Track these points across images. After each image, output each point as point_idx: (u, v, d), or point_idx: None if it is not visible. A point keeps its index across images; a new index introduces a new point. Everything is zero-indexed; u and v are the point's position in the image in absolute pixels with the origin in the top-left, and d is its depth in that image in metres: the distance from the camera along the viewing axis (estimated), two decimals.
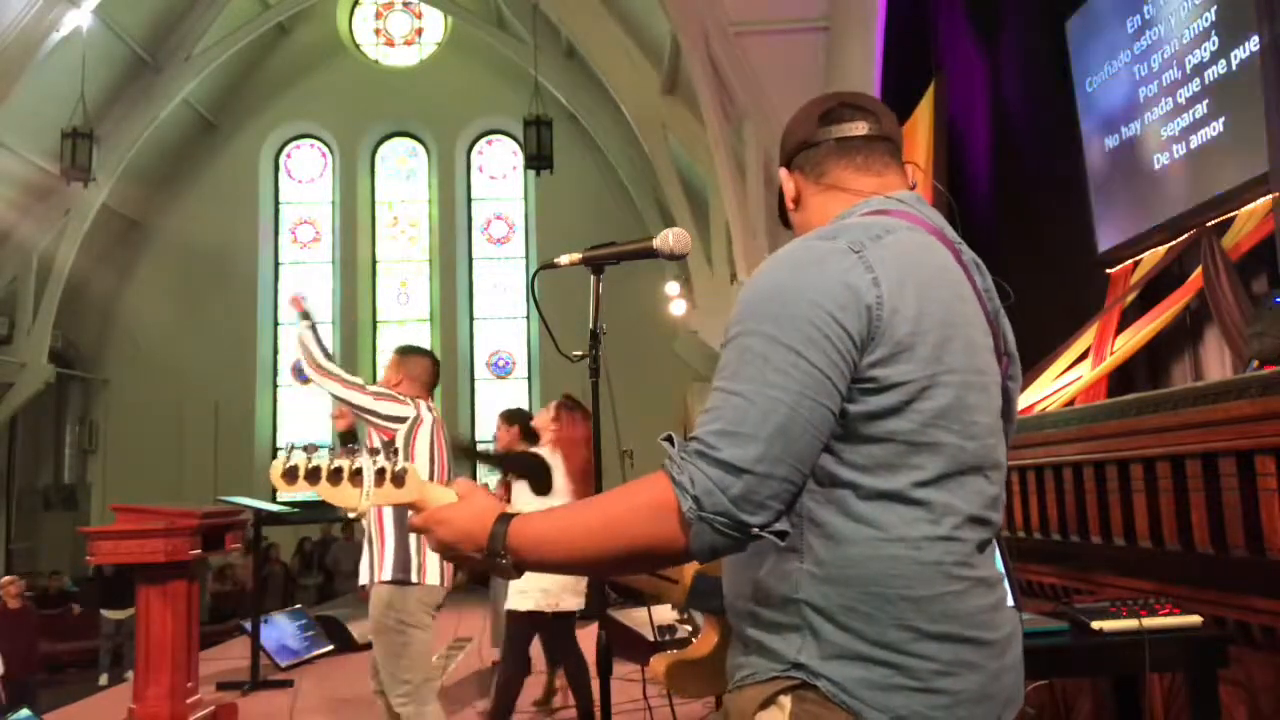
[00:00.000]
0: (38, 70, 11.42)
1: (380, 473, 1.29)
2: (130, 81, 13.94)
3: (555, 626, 4.54)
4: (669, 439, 1.16)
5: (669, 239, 2.02)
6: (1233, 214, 5.30)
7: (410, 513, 1.30)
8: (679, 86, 11.42)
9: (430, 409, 3.61)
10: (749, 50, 8.68)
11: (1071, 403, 5.69)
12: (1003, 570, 2.58)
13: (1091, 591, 3.02)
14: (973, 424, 1.19)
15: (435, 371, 3.76)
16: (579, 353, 2.24)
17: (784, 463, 1.09)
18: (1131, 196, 6.24)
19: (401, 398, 3.51)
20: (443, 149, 16.67)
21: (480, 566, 1.25)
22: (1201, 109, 5.47)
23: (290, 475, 1.27)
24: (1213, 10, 5.36)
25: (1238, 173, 5.14)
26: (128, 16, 13.05)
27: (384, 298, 16.79)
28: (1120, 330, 5.98)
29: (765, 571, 1.19)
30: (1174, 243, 5.83)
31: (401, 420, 3.46)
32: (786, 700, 1.16)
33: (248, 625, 6.78)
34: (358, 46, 16.81)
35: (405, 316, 16.74)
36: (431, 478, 3.38)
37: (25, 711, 4.63)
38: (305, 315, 3.60)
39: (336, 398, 3.47)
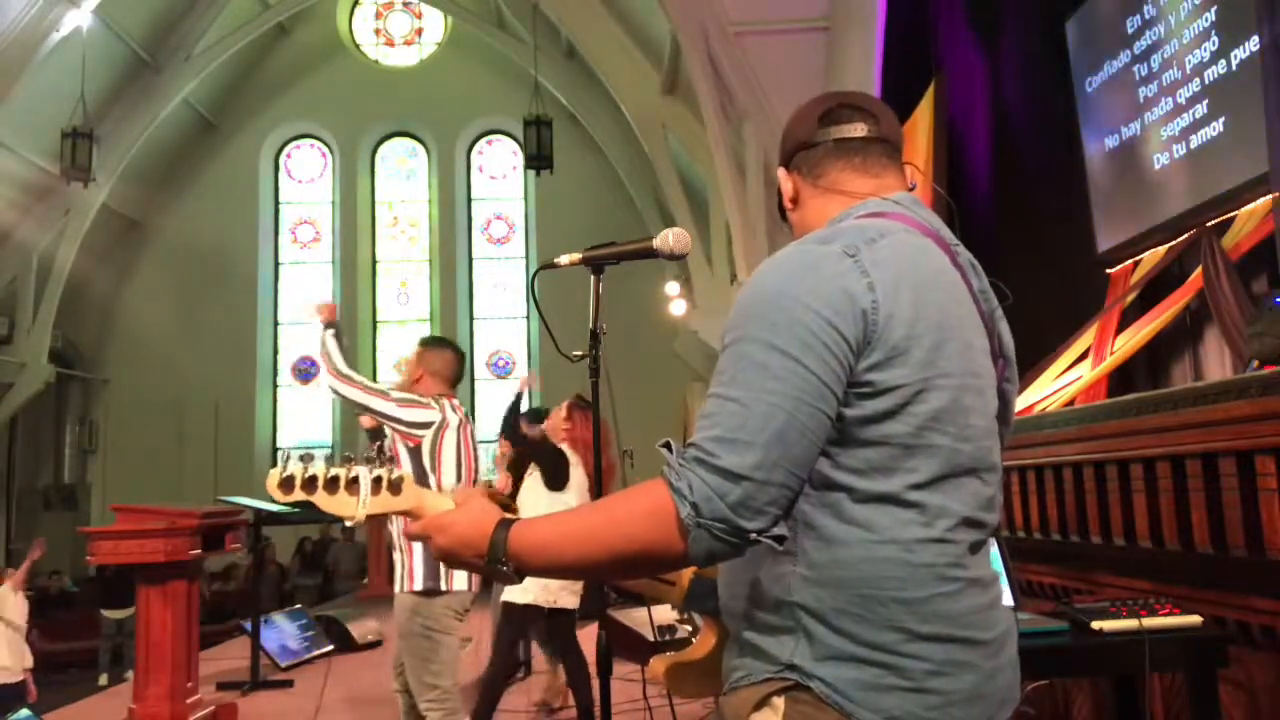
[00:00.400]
0: (38, 70, 11.43)
1: (377, 481, 1.28)
2: (130, 81, 13.95)
3: (554, 624, 4.54)
4: (667, 445, 1.16)
5: (669, 239, 2.02)
6: (1233, 214, 5.29)
7: (407, 520, 1.30)
8: (679, 86, 11.42)
9: (455, 408, 3.53)
10: (749, 50, 8.68)
11: (1071, 403, 5.69)
12: (1001, 570, 2.58)
13: (1091, 591, 3.02)
14: (968, 426, 1.19)
15: (459, 365, 3.65)
16: (579, 353, 2.24)
17: (782, 469, 1.09)
18: (1131, 196, 6.24)
19: (425, 401, 3.43)
20: (443, 149, 16.67)
21: (480, 573, 1.25)
22: (1201, 109, 5.47)
23: (286, 485, 1.26)
24: (1213, 10, 5.36)
25: (1238, 173, 5.14)
26: (128, 16, 13.05)
27: (384, 298, 16.80)
28: (1120, 330, 5.98)
29: (759, 574, 1.20)
30: (1174, 243, 5.83)
31: (426, 426, 3.38)
32: (780, 701, 1.16)
33: (248, 625, 6.78)
34: (358, 46, 16.81)
35: (405, 316, 16.74)
36: (459, 482, 3.41)
37: (25, 711, 4.63)
38: (331, 324, 3.54)
39: (358, 405, 3.40)
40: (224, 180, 16.01)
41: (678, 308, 11.95)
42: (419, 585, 3.32)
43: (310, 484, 1.27)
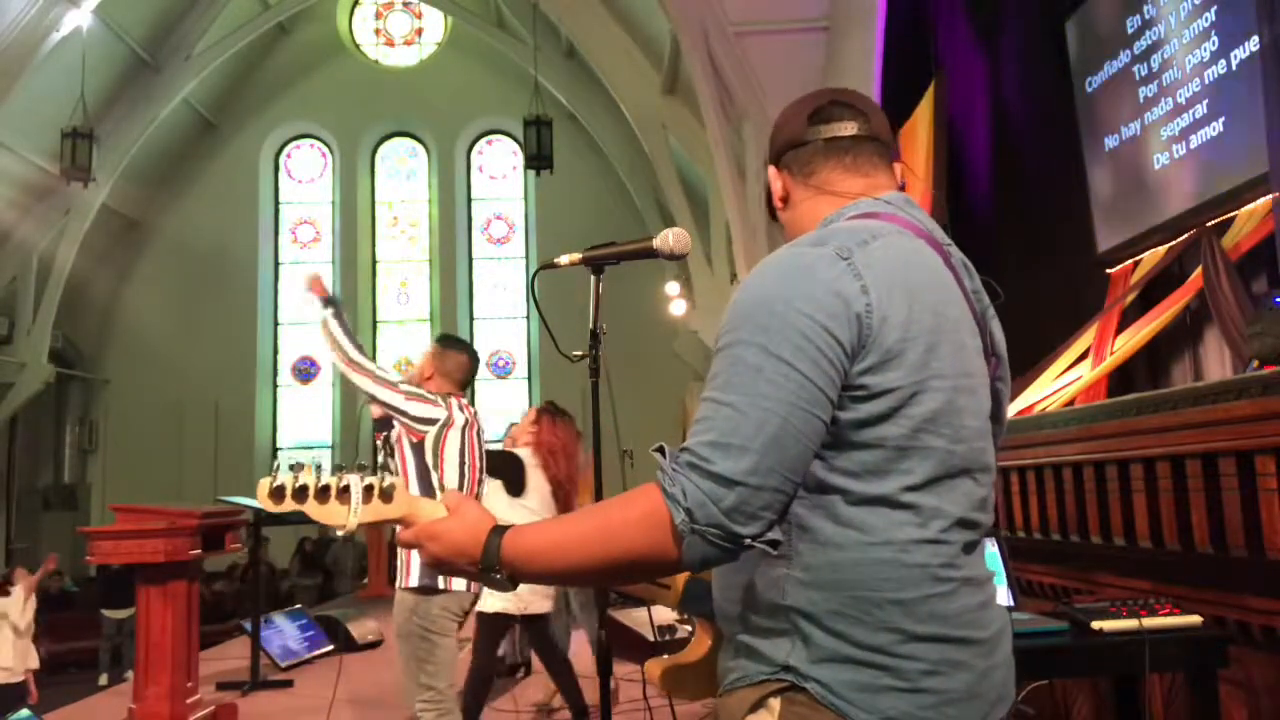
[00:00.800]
0: (38, 70, 11.42)
1: (368, 489, 1.27)
2: (130, 81, 13.94)
3: (530, 630, 4.55)
4: (660, 450, 1.15)
5: (669, 239, 2.02)
6: (1233, 214, 5.30)
7: (399, 528, 1.30)
8: (679, 86, 11.41)
9: (463, 408, 3.53)
10: (749, 50, 8.68)
11: (1071, 403, 5.69)
12: (1001, 569, 2.58)
13: (1091, 591, 3.02)
14: (962, 428, 1.19)
15: (472, 368, 3.66)
16: (579, 353, 2.24)
17: (776, 474, 1.09)
18: (1131, 196, 6.24)
19: (433, 398, 3.43)
20: (443, 149, 16.67)
21: (475, 580, 1.25)
22: (1201, 109, 5.47)
23: (277, 495, 1.26)
24: (1213, 10, 5.36)
25: (1238, 173, 5.14)
26: (128, 16, 13.04)
27: (384, 298, 16.80)
28: (1120, 330, 5.98)
29: (754, 578, 1.20)
30: (1174, 243, 5.83)
31: (432, 422, 3.38)
32: (776, 703, 1.17)
33: (248, 625, 6.78)
34: (358, 46, 16.81)
35: (405, 316, 16.74)
36: (462, 481, 3.41)
37: (25, 711, 4.63)
38: (329, 301, 3.52)
39: (366, 392, 3.39)
40: (224, 180, 16.01)
41: (678, 308, 11.95)
42: (414, 582, 3.30)
43: (301, 494, 1.26)
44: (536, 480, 4.53)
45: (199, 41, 14.26)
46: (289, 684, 6.23)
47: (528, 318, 16.49)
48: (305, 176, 16.97)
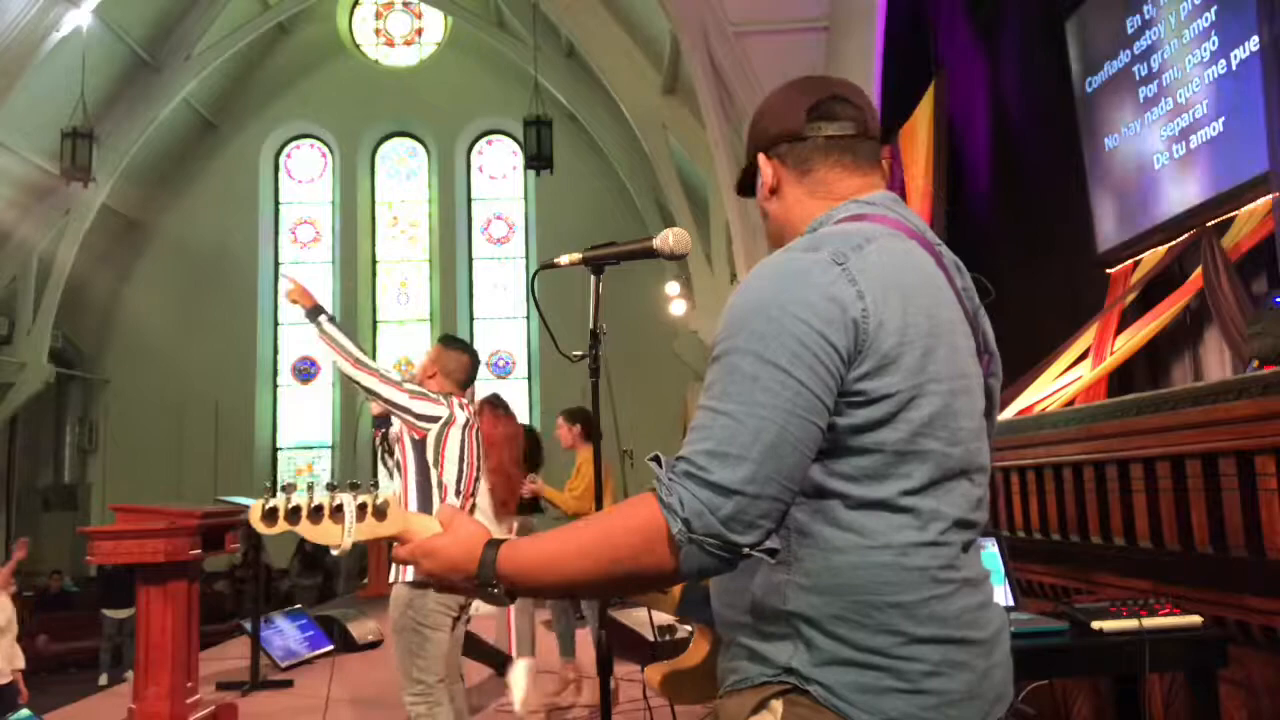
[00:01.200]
0: (38, 70, 11.42)
1: (361, 508, 1.27)
2: (130, 81, 13.94)
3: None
4: (656, 459, 1.15)
5: (669, 239, 2.02)
6: (1233, 214, 5.30)
7: (396, 545, 1.30)
8: (679, 86, 11.41)
9: (463, 407, 3.59)
10: (749, 50, 8.68)
11: (1071, 403, 5.69)
12: (1001, 569, 2.58)
13: (1091, 591, 3.02)
14: (958, 430, 1.19)
15: (473, 369, 3.72)
16: (579, 353, 2.24)
17: (774, 482, 1.09)
18: (1131, 196, 6.24)
19: (435, 396, 3.49)
20: (443, 149, 16.67)
21: (471, 595, 1.24)
22: (1201, 109, 5.47)
23: (270, 517, 1.25)
24: (1213, 10, 5.36)
25: (1238, 173, 5.14)
26: (128, 16, 13.04)
27: (384, 298, 16.80)
28: (1120, 330, 5.98)
29: (753, 584, 1.20)
30: (1174, 243, 5.83)
31: (434, 420, 3.43)
32: (778, 705, 1.16)
33: (248, 625, 6.78)
34: (358, 46, 16.81)
35: (405, 316, 16.74)
36: (460, 478, 3.47)
37: (25, 711, 4.63)
38: (317, 310, 3.56)
39: (371, 392, 3.44)
40: (224, 180, 16.01)
41: (678, 308, 11.95)
42: (410, 576, 3.34)
43: (294, 515, 1.25)
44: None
45: (199, 41, 14.27)
46: (289, 684, 6.23)
47: (528, 318, 16.49)
48: (305, 176, 16.97)
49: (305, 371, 16.42)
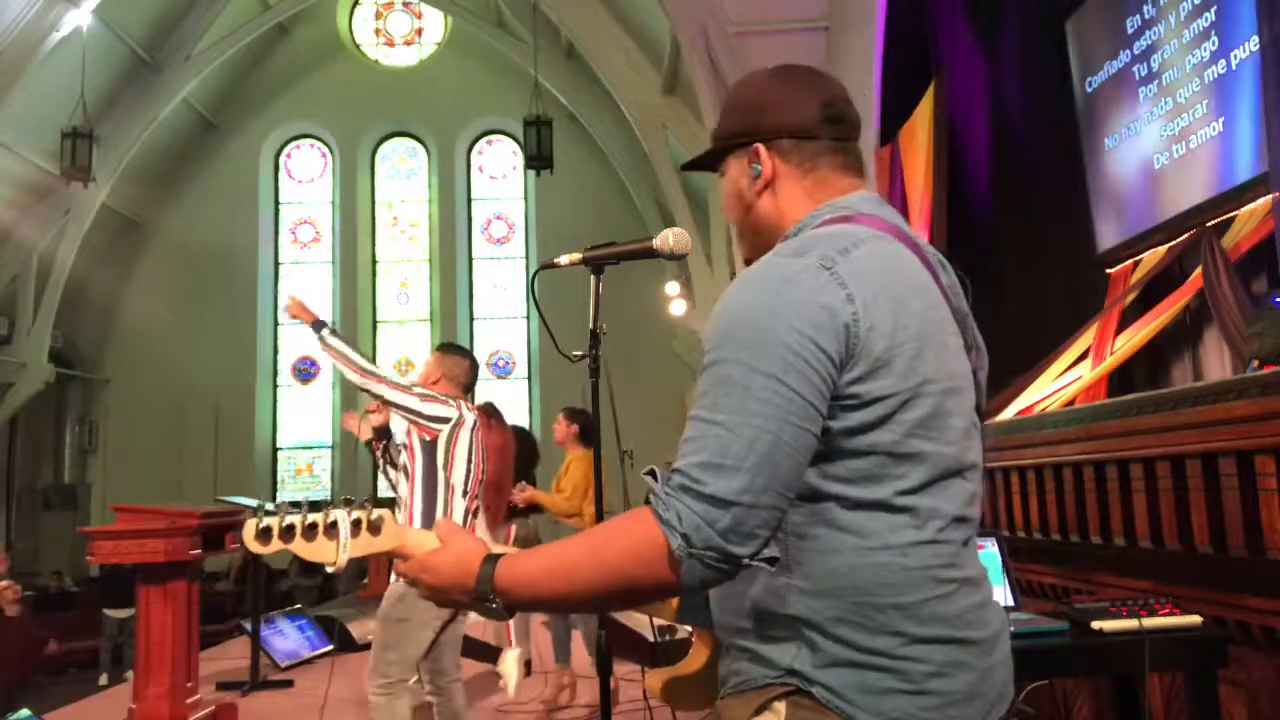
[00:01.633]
0: (38, 70, 11.42)
1: (356, 524, 1.26)
2: (130, 81, 13.94)
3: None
4: (652, 473, 1.14)
5: (669, 239, 2.02)
6: (1233, 214, 5.30)
7: (397, 561, 1.29)
8: (679, 86, 11.41)
9: (471, 409, 3.66)
10: (749, 50, 8.67)
11: (1071, 403, 5.69)
12: (1001, 569, 2.58)
13: (1091, 591, 3.02)
14: (949, 429, 1.19)
15: (473, 373, 3.80)
16: (579, 353, 2.24)
17: (770, 491, 1.08)
18: (1131, 196, 6.24)
19: (444, 398, 3.55)
20: (443, 149, 16.67)
21: (470, 610, 1.24)
22: (1201, 109, 5.47)
23: (264, 536, 1.24)
24: (1213, 10, 5.36)
25: (1238, 173, 5.15)
26: (128, 16, 13.04)
27: (384, 298, 16.79)
28: (1120, 330, 5.99)
29: (754, 589, 1.20)
30: (1174, 243, 5.83)
31: (445, 421, 3.50)
32: (781, 706, 1.16)
33: (248, 625, 6.78)
34: (358, 46, 16.81)
35: (405, 316, 16.74)
36: (468, 479, 3.54)
37: (25, 711, 4.62)
38: (319, 324, 3.60)
39: (382, 399, 3.50)
40: (224, 180, 16.01)
41: (678, 308, 11.95)
42: None
43: (288, 533, 1.25)
44: None
45: (199, 41, 14.26)
46: (289, 684, 6.23)
47: (528, 318, 16.48)
48: (305, 176, 16.97)
49: (305, 371, 16.41)
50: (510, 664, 4.40)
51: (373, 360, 3.63)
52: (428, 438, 3.48)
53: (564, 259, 2.13)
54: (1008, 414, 5.91)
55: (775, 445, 1.08)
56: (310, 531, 1.25)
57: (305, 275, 16.65)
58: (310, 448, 16.36)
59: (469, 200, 16.88)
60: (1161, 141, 5.86)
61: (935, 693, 1.13)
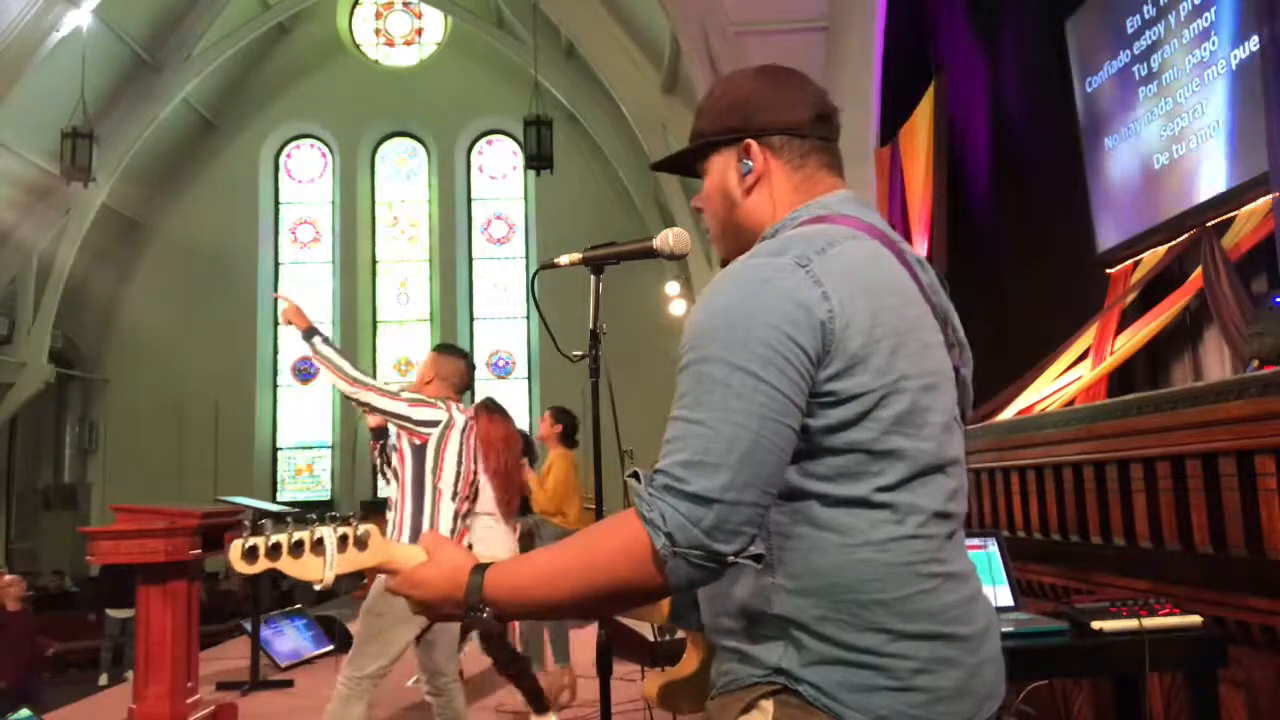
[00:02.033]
0: (38, 70, 11.43)
1: (342, 539, 1.26)
2: (130, 81, 13.94)
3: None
4: (635, 475, 1.14)
5: (669, 239, 2.02)
6: (1233, 214, 5.30)
7: (386, 578, 1.29)
8: (679, 86, 11.41)
9: (461, 410, 3.67)
10: (749, 50, 8.67)
11: (1071, 403, 5.69)
12: (1001, 568, 2.58)
13: (1091, 591, 3.02)
14: (927, 425, 1.19)
15: (468, 374, 3.80)
16: (579, 353, 2.24)
17: (753, 488, 1.09)
18: (1131, 196, 6.24)
19: (434, 401, 3.57)
20: (443, 149, 16.67)
21: (461, 621, 1.24)
22: (1201, 109, 5.47)
23: (250, 556, 1.23)
24: (1213, 10, 5.36)
25: (1238, 173, 5.15)
26: (128, 16, 13.05)
27: (384, 298, 16.80)
28: (1120, 330, 5.98)
29: (738, 589, 1.20)
30: (1174, 243, 5.83)
31: (434, 424, 3.51)
32: (769, 704, 1.17)
33: (248, 625, 6.78)
34: (358, 46, 16.82)
35: (405, 316, 16.74)
36: (457, 482, 3.54)
37: (25, 711, 4.63)
38: (312, 331, 3.61)
39: (371, 407, 3.52)
40: (224, 180, 16.01)
41: (678, 308, 11.95)
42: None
43: (274, 552, 1.24)
44: (482, 477, 4.63)
45: (199, 41, 14.27)
46: (289, 684, 6.23)
47: (528, 318, 16.49)
48: (305, 176, 16.97)
49: (305, 371, 16.41)
50: None
51: (369, 368, 3.64)
52: (418, 442, 3.50)
53: (564, 259, 2.13)
54: (1008, 414, 5.91)
55: (757, 442, 1.09)
56: (296, 549, 1.24)
57: (305, 275, 16.65)
58: (310, 448, 16.36)
59: (469, 200, 16.88)
60: (1161, 141, 5.86)
61: (922, 689, 1.13)
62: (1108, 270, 6.54)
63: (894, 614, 1.14)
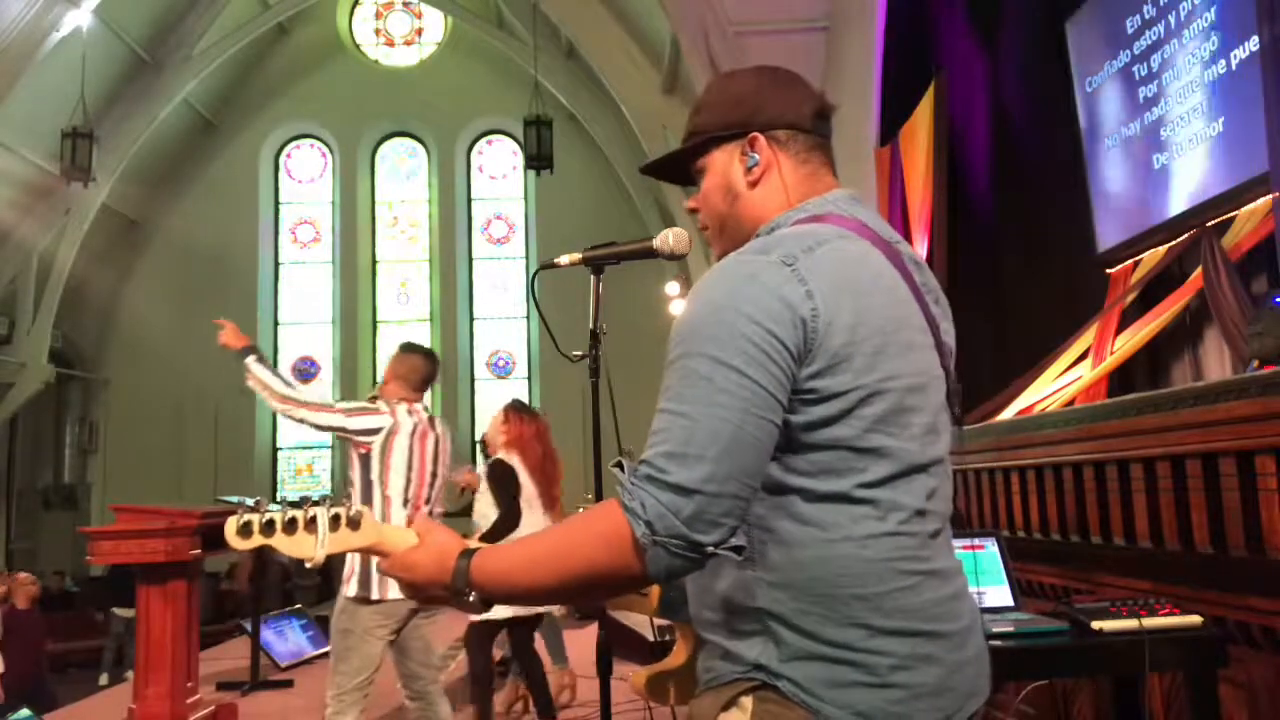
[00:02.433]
0: (38, 70, 11.43)
1: (335, 519, 1.28)
2: (130, 81, 13.94)
3: (518, 632, 4.61)
4: (619, 465, 1.16)
5: (669, 239, 2.02)
6: (1233, 214, 5.29)
7: (379, 559, 1.30)
8: (679, 86, 11.42)
9: (411, 413, 3.56)
10: (749, 50, 8.67)
11: (1071, 403, 5.69)
12: (1001, 568, 2.58)
13: (1091, 591, 3.02)
14: (910, 425, 1.20)
15: (428, 372, 3.68)
16: (579, 353, 2.24)
17: (734, 480, 1.10)
18: (1131, 196, 6.24)
19: (374, 407, 3.49)
20: (443, 149, 16.67)
21: (449, 604, 1.26)
22: (1201, 109, 5.47)
23: (244, 531, 1.25)
24: (1213, 10, 5.36)
25: (1238, 173, 5.14)
26: (128, 16, 13.05)
27: (384, 298, 16.79)
28: (1120, 330, 5.98)
29: (722, 582, 1.21)
30: (1174, 243, 5.83)
31: (375, 432, 3.44)
32: (748, 701, 1.18)
33: (248, 625, 6.78)
34: (358, 46, 16.81)
35: (405, 316, 16.74)
36: (408, 487, 3.44)
37: (25, 711, 4.63)
38: (248, 350, 3.59)
39: (306, 423, 3.46)
40: (224, 180, 16.00)
41: (677, 308, 11.94)
42: (351, 592, 3.42)
43: (268, 528, 1.26)
44: (525, 476, 4.62)
45: (199, 41, 14.26)
46: (289, 684, 6.24)
47: (528, 318, 16.49)
48: (305, 176, 16.97)
49: (305, 371, 16.41)
50: None
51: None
52: (362, 451, 3.43)
53: (564, 259, 2.13)
54: (1008, 414, 5.91)
55: (738, 435, 1.10)
56: (290, 526, 1.26)
57: (305, 275, 16.66)
58: (310, 448, 16.36)
59: (469, 200, 16.88)
60: (1161, 141, 5.85)
61: (900, 685, 1.14)
62: (1108, 270, 6.53)
63: (873, 609, 1.15)
